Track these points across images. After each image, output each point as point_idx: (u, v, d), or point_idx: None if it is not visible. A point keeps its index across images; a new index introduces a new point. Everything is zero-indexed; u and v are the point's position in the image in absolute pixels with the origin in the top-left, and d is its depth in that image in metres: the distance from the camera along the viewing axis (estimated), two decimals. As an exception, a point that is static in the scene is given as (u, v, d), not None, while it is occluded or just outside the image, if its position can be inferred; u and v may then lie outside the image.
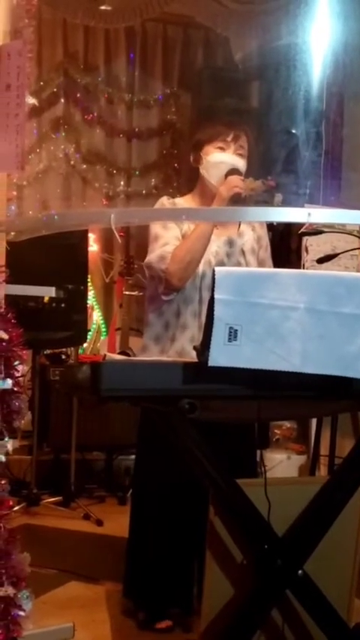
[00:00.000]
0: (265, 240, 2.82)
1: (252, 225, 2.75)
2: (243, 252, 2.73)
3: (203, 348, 1.59)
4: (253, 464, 2.81)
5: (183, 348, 2.61)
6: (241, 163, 2.67)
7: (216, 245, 2.68)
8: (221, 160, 2.66)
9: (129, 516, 2.84)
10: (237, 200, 2.54)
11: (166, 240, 2.64)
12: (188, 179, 2.85)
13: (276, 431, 4.69)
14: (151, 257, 2.66)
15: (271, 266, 2.82)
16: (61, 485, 4.47)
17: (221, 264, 2.67)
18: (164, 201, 2.78)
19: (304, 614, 1.88)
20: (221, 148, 2.67)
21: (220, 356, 1.56)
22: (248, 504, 1.80)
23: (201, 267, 2.64)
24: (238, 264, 2.70)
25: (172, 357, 2.56)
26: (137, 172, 5.78)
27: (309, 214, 1.51)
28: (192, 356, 2.54)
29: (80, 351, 4.86)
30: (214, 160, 2.66)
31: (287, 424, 4.70)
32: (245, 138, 2.71)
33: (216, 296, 1.58)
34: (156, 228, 2.67)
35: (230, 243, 2.72)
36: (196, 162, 2.73)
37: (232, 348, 1.57)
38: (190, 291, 2.65)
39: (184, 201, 2.78)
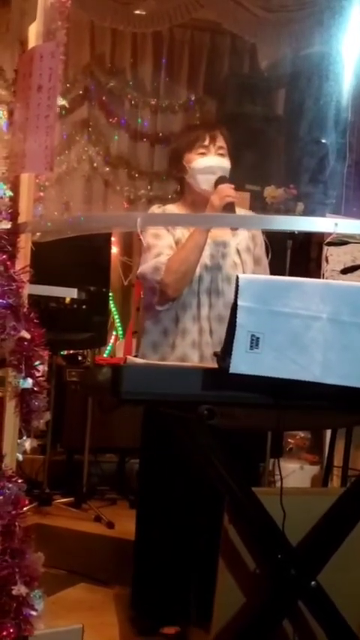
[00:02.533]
0: (260, 238, 2.79)
1: None
2: (238, 252, 2.71)
3: (224, 355, 1.59)
4: (256, 473, 2.80)
5: (185, 354, 2.60)
6: (225, 163, 2.67)
7: (210, 248, 2.67)
8: (205, 164, 2.65)
9: (135, 524, 2.83)
10: (230, 209, 2.53)
11: (160, 250, 2.62)
12: (176, 187, 2.85)
13: (290, 440, 4.68)
14: (145, 268, 2.63)
15: (266, 263, 2.80)
16: (73, 486, 4.48)
17: (217, 266, 2.67)
18: (155, 209, 2.78)
19: (316, 625, 1.87)
20: (202, 153, 2.67)
21: (242, 363, 1.56)
22: (263, 513, 1.79)
23: (198, 271, 2.63)
24: (234, 264, 2.68)
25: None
26: (164, 177, 5.78)
27: (336, 224, 1.51)
28: (193, 360, 2.55)
29: (96, 353, 4.87)
30: (199, 167, 2.65)
31: (301, 434, 4.68)
32: (222, 137, 2.71)
33: (239, 303, 1.58)
34: (148, 237, 2.64)
35: (224, 244, 2.70)
36: (181, 172, 2.73)
37: (254, 355, 1.57)
38: (188, 296, 2.64)
39: (175, 208, 2.76)
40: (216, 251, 2.69)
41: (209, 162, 2.65)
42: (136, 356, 4.04)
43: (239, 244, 2.72)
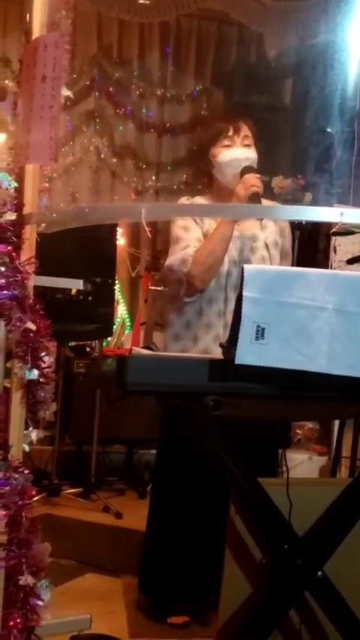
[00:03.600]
0: (288, 231, 2.80)
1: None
2: (267, 246, 2.71)
3: (230, 346, 1.59)
4: (274, 463, 2.81)
5: (207, 347, 2.60)
6: (251, 154, 2.66)
7: (240, 241, 2.67)
8: (231, 156, 2.64)
9: (147, 511, 2.84)
10: (255, 199, 2.52)
11: (187, 243, 2.63)
12: (202, 181, 2.85)
13: (298, 431, 4.67)
14: (172, 260, 2.65)
15: (291, 256, 2.81)
16: (82, 476, 4.49)
17: (246, 260, 2.66)
18: (184, 201, 2.78)
19: (322, 615, 1.88)
20: (227, 145, 2.66)
21: (247, 354, 1.56)
22: (270, 504, 1.79)
23: (226, 266, 2.63)
24: (262, 259, 2.69)
25: None
26: (169, 168, 5.77)
27: (341, 214, 1.50)
28: (218, 355, 2.55)
29: (104, 344, 4.87)
30: (225, 159, 2.65)
31: (309, 424, 4.68)
32: (246, 127, 2.70)
33: (245, 294, 1.58)
34: (176, 230, 2.66)
35: (253, 238, 2.70)
36: (208, 166, 2.72)
37: (259, 346, 1.57)
38: (214, 290, 2.64)
39: (204, 200, 2.76)
40: (245, 245, 2.68)
41: (235, 154, 2.64)
42: (146, 347, 4.06)
43: (267, 238, 2.72)
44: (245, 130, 2.69)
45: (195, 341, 2.65)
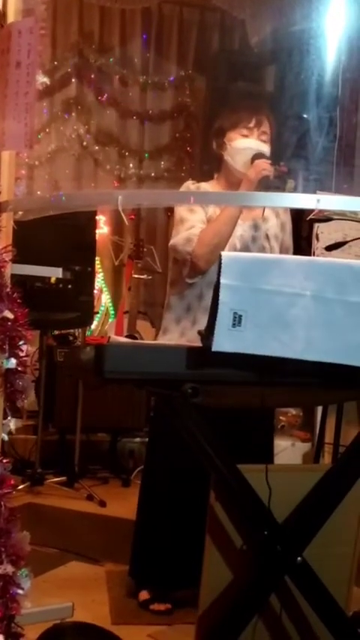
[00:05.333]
0: (289, 226, 2.84)
1: (276, 210, 2.76)
2: (267, 237, 2.73)
3: (207, 333, 1.59)
4: (269, 449, 2.83)
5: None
6: (265, 149, 2.68)
7: (241, 229, 2.69)
8: (246, 146, 2.66)
9: (138, 496, 2.85)
10: (265, 183, 2.54)
11: (192, 223, 2.65)
12: (210, 165, 2.84)
13: (281, 418, 4.69)
14: (177, 239, 2.66)
15: (292, 252, 2.84)
16: (66, 465, 4.50)
17: (246, 248, 2.68)
18: (189, 186, 2.78)
19: (303, 600, 1.89)
20: (245, 135, 2.68)
21: (225, 341, 1.56)
22: (249, 490, 1.79)
23: (226, 251, 2.64)
24: (263, 249, 2.71)
25: (192, 339, 2.56)
26: (147, 155, 5.75)
27: (318, 200, 1.50)
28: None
29: (88, 333, 4.87)
30: (239, 147, 2.67)
31: (293, 411, 4.70)
32: (267, 123, 2.72)
33: (222, 281, 1.57)
34: (181, 211, 2.68)
35: (255, 227, 2.72)
36: (220, 149, 2.73)
37: (236, 333, 1.57)
38: (214, 274, 2.64)
39: (209, 186, 2.77)
40: (246, 233, 2.70)
41: (250, 144, 2.66)
42: (130, 336, 4.06)
43: (269, 230, 2.75)
44: (265, 126, 2.71)
45: (193, 323, 2.68)
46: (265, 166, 2.57)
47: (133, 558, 2.84)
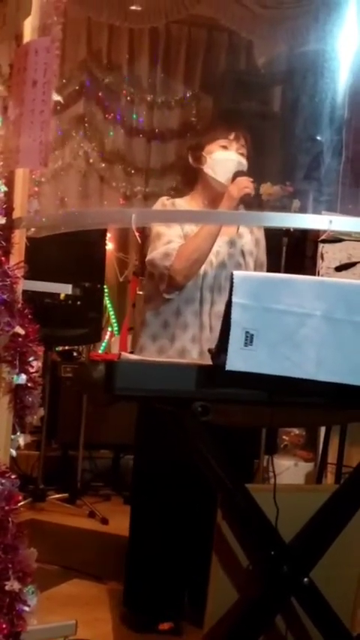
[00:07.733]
0: (263, 242, 2.82)
1: (250, 227, 2.74)
2: (243, 254, 2.73)
3: (219, 352, 1.59)
4: (250, 468, 2.82)
5: (184, 348, 2.60)
6: (244, 162, 2.68)
7: (217, 245, 2.67)
8: (226, 157, 2.67)
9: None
10: (247, 201, 2.54)
11: (170, 238, 2.63)
12: (187, 181, 2.85)
13: (284, 437, 4.68)
14: (155, 254, 2.63)
15: (265, 268, 2.83)
16: (68, 482, 4.48)
17: (222, 264, 2.68)
18: (164, 202, 2.76)
19: (308, 621, 1.88)
20: (224, 147, 2.69)
21: (238, 360, 1.56)
22: (256, 509, 1.79)
23: (203, 267, 2.63)
24: (239, 265, 2.70)
25: (173, 357, 2.56)
26: (155, 173, 5.78)
27: (330, 222, 1.51)
28: (192, 356, 2.56)
29: (101, 349, 4.87)
30: (220, 158, 2.67)
31: (296, 431, 4.69)
32: (244, 140, 2.73)
33: (234, 300, 1.58)
34: (158, 226, 2.65)
35: (231, 243, 2.72)
36: (198, 162, 2.72)
37: (248, 352, 1.57)
38: (191, 290, 2.64)
39: (185, 202, 2.76)
40: (222, 249, 2.70)
41: (230, 156, 2.67)
42: (131, 352, 4.06)
43: (244, 246, 2.74)
44: (242, 142, 2.72)
45: (172, 340, 2.64)
46: (247, 184, 2.58)
47: (127, 587, 2.82)
